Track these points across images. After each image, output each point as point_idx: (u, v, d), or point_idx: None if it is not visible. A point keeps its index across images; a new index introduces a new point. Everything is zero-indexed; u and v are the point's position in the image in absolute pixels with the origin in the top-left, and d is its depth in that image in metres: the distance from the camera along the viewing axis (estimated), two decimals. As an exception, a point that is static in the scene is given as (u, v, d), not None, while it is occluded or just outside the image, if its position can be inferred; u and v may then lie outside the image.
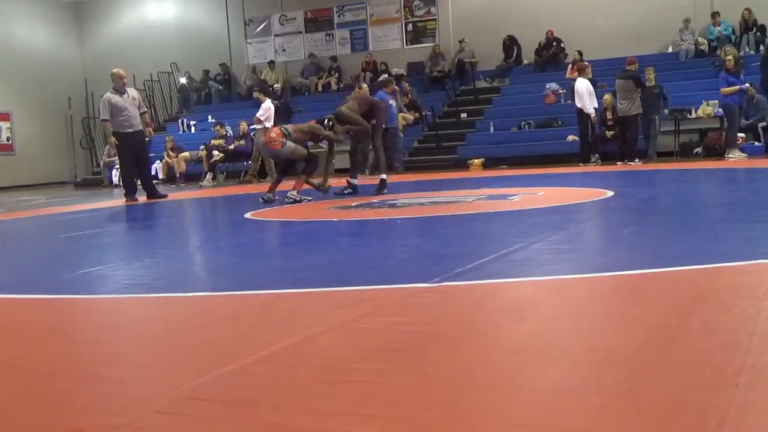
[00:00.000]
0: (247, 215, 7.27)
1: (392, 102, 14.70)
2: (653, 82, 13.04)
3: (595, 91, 13.28)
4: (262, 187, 10.23)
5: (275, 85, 18.55)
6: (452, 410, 1.71)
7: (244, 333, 2.58)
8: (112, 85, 10.47)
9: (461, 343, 2.31)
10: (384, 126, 13.44)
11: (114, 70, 10.58)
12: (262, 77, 19.62)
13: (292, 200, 8.33)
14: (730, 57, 12.87)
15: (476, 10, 18.43)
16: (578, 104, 13.02)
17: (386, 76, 15.47)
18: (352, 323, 2.59)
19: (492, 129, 16.15)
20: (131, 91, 10.68)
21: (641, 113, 12.76)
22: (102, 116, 10.56)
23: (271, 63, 20.04)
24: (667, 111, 13.50)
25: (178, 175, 16.73)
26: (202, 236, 6.71)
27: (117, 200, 11.23)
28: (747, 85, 12.61)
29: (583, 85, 13.02)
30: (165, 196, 11.04)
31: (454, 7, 18.74)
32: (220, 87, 20.72)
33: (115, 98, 10.32)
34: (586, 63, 13.96)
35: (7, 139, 20.95)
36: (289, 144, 8.40)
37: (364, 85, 13.81)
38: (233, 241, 5.75)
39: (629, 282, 3.13)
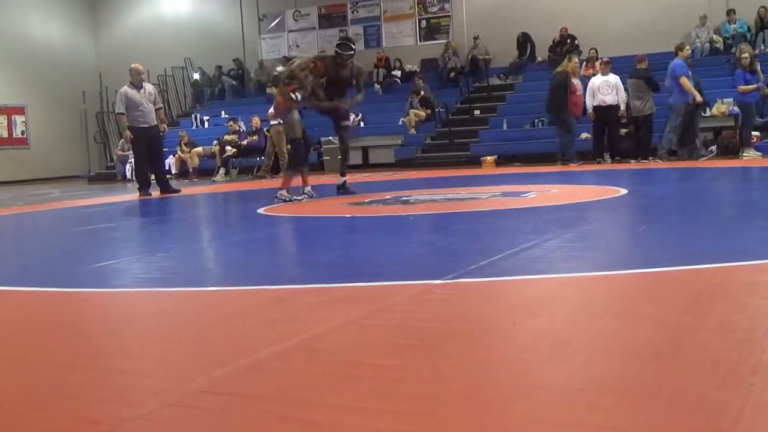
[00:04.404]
0: (260, 210, 7.28)
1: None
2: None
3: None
4: (275, 183, 10.22)
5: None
6: (465, 406, 1.70)
7: (257, 328, 2.58)
8: (129, 79, 10.53)
9: (475, 339, 2.31)
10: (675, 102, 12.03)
11: (133, 65, 10.64)
12: (276, 72, 19.63)
13: (282, 200, 7.76)
14: (746, 55, 12.71)
15: (490, 6, 18.39)
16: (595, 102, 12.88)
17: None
18: (366, 319, 2.58)
19: (505, 126, 16.13)
20: (147, 87, 10.74)
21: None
22: (118, 109, 10.65)
23: (285, 58, 20.05)
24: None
25: (191, 170, 16.78)
26: (215, 231, 6.73)
27: (130, 194, 11.28)
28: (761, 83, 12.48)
29: (590, 83, 12.91)
30: (178, 191, 11.09)
31: (468, 4, 18.71)
32: (234, 82, 20.75)
33: (132, 93, 10.38)
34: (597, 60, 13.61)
35: (22, 133, 21.08)
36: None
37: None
38: (246, 237, 5.76)
39: (644, 280, 3.11)
